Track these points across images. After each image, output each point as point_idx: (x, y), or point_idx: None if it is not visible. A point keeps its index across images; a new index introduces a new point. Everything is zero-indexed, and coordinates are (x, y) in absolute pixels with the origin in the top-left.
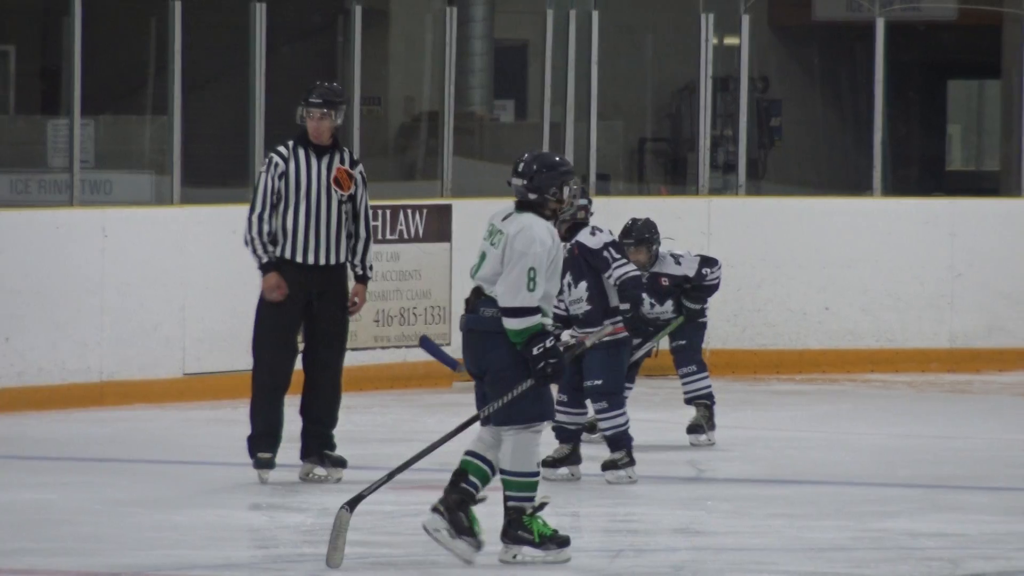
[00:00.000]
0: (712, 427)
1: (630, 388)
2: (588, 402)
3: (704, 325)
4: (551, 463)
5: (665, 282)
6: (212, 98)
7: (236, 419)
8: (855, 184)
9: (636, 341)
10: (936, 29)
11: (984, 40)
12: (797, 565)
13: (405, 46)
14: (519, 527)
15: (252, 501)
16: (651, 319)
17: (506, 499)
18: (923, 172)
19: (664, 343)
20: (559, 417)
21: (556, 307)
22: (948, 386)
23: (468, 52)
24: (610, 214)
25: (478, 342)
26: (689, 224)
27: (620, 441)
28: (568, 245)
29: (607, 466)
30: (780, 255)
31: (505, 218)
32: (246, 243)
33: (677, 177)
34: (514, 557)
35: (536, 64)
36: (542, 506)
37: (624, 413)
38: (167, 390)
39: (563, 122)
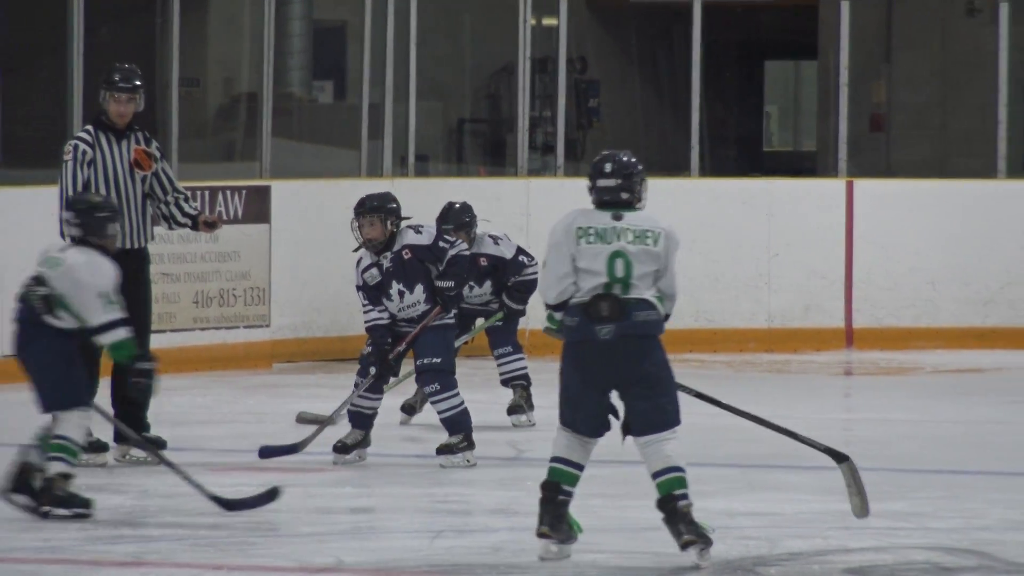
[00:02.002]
0: (531, 407)
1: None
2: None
3: (521, 312)
4: (341, 448)
5: (484, 262)
6: (30, 79)
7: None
8: (673, 164)
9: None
10: (753, 10)
11: (801, 21)
12: (616, 545)
13: (224, 27)
14: (692, 521)
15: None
16: (468, 306)
17: (679, 498)
18: (741, 152)
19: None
20: (358, 402)
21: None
22: (766, 366)
23: (287, 33)
24: (429, 195)
25: (634, 347)
26: (508, 205)
27: (459, 424)
28: (390, 254)
29: (442, 450)
30: None
31: (615, 218)
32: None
33: (496, 158)
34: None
35: (355, 45)
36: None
37: (458, 394)
38: None
39: (382, 103)
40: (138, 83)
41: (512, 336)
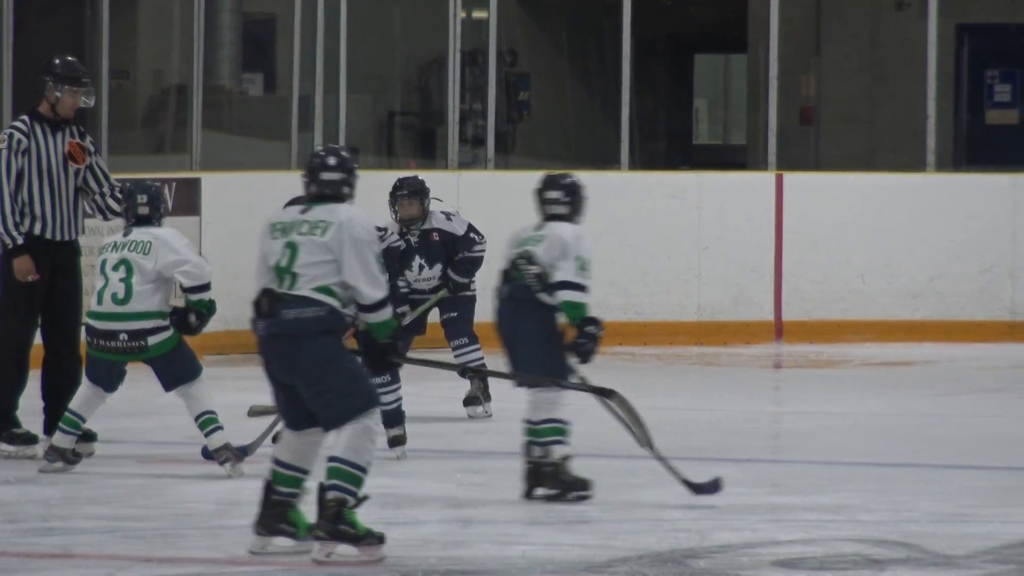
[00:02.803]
0: (488, 398)
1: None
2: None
3: (473, 298)
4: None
5: (436, 237)
6: None
7: None
8: (603, 158)
9: (401, 310)
10: (683, 4)
11: (730, 15)
12: (547, 537)
13: (153, 19)
14: (335, 517)
15: (5, 475)
16: (415, 290)
17: (329, 488)
18: (670, 146)
19: (435, 315)
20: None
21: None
22: (696, 358)
23: (217, 25)
24: (360, 188)
25: (285, 346)
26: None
27: (397, 417)
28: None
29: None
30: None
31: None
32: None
33: (427, 151)
34: (328, 556)
35: (285, 37)
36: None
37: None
38: None
39: (312, 95)
40: (89, 78)
41: (468, 326)
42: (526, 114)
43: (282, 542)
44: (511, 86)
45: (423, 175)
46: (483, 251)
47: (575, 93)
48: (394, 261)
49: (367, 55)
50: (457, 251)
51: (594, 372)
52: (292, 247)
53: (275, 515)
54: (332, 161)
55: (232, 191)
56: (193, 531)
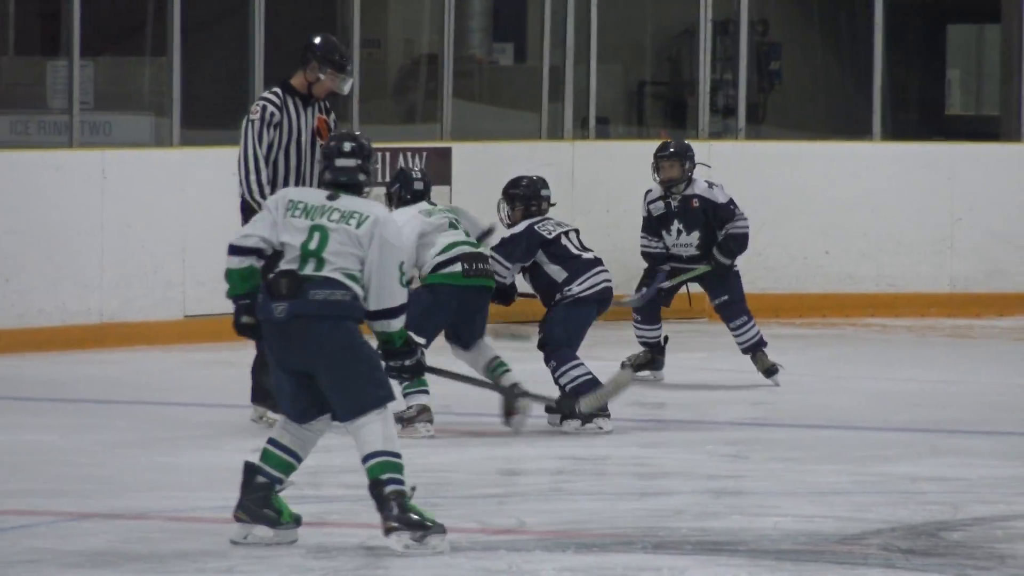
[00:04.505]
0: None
1: (657, 329)
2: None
3: (738, 274)
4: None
5: (696, 204)
6: (211, 39)
7: (236, 361)
8: (855, 128)
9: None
10: None
11: None
12: (798, 508)
13: None
14: (403, 507)
15: (253, 444)
16: (672, 255)
17: (385, 483)
18: (922, 116)
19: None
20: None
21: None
22: (948, 331)
23: None
24: (610, 157)
25: (310, 329)
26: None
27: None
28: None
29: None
30: (780, 199)
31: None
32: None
33: (677, 121)
34: (407, 547)
35: (535, 7)
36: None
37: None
38: (168, 332)
39: (562, 65)
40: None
41: (742, 304)
42: (777, 84)
43: (262, 531)
44: (762, 56)
45: None
46: (747, 227)
47: (826, 63)
48: (652, 222)
49: (618, 24)
50: (717, 220)
51: (846, 343)
52: (322, 231)
53: (258, 499)
54: (348, 147)
55: (482, 161)
56: (445, 500)
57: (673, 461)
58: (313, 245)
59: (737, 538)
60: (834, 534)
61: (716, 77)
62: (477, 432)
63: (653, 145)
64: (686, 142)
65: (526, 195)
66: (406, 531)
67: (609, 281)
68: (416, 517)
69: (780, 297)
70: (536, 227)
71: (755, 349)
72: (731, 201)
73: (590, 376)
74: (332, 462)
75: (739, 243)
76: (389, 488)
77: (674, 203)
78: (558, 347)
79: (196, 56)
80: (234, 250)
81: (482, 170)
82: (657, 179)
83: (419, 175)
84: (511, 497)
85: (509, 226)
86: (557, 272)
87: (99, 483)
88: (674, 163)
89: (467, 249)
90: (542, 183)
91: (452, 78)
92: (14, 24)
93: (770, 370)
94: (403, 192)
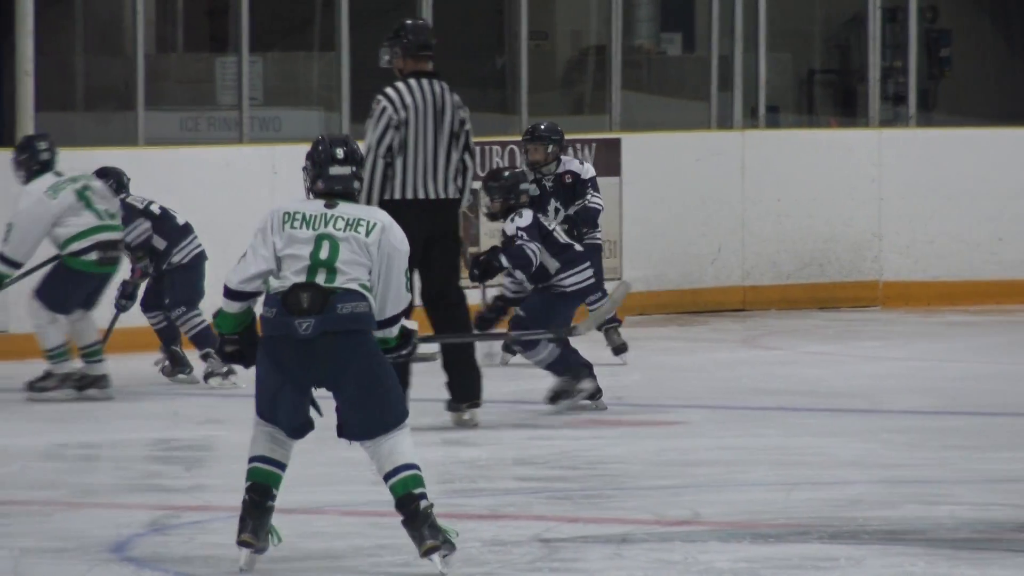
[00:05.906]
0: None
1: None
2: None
3: (599, 247)
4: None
5: (568, 179)
6: (380, 33)
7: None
8: None
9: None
10: None
11: None
12: (974, 496)
13: None
14: (435, 525)
15: (434, 437)
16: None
17: (418, 497)
18: None
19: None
20: None
21: None
22: None
23: None
24: (780, 146)
25: (339, 344)
26: (860, 156)
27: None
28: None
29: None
30: (951, 186)
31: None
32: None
33: (847, 109)
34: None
35: None
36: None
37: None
38: None
39: (731, 54)
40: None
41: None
42: (947, 71)
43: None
44: (932, 42)
45: (844, 133)
46: (601, 204)
47: (997, 49)
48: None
49: (786, 13)
50: (578, 192)
51: (1020, 330)
52: (331, 240)
53: (265, 524)
54: (340, 153)
55: (652, 151)
56: (618, 492)
57: (848, 450)
58: (324, 255)
59: (913, 527)
60: (1011, 522)
61: (886, 64)
62: (651, 423)
63: (823, 134)
64: (553, 124)
65: (506, 187)
66: (443, 550)
67: (592, 278)
68: (443, 534)
69: (953, 284)
70: (540, 218)
71: (608, 324)
72: (594, 179)
73: (558, 351)
74: (504, 455)
75: (591, 216)
76: (423, 504)
77: (548, 184)
78: (525, 328)
79: (365, 50)
80: (232, 295)
81: (652, 160)
82: (524, 163)
83: (46, 145)
84: (686, 488)
85: (489, 217)
86: (550, 262)
87: None
88: (537, 146)
89: (104, 236)
90: (522, 176)
91: (620, 69)
92: (183, 21)
93: (619, 348)
94: (31, 162)
